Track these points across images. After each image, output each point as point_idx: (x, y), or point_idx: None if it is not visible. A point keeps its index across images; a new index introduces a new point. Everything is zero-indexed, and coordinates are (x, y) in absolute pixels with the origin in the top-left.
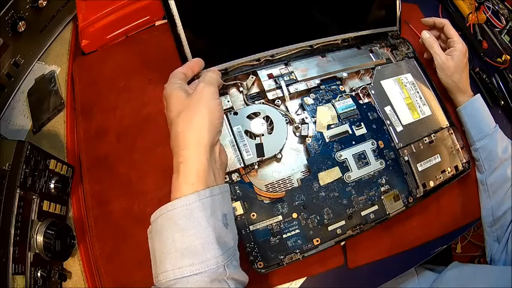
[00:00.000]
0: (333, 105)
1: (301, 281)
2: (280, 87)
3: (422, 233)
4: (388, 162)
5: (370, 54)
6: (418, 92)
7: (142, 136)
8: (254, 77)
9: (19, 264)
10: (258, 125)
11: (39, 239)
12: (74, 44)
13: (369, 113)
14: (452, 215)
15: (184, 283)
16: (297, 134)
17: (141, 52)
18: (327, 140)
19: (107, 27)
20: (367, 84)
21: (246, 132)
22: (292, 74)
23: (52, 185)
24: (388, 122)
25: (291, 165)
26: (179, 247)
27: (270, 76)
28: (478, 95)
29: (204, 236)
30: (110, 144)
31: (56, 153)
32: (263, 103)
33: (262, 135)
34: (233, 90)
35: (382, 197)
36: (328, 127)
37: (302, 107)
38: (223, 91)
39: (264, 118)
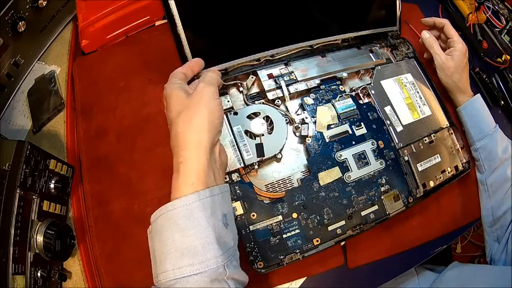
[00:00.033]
0: (333, 105)
1: (301, 281)
2: (280, 87)
3: (422, 233)
4: (388, 162)
5: (370, 54)
6: (418, 92)
7: (142, 136)
8: (254, 77)
9: (19, 264)
10: (258, 125)
11: (39, 239)
12: (74, 44)
13: (369, 113)
14: (452, 215)
15: (184, 283)
16: (297, 134)
17: (141, 52)
18: (327, 140)
19: (107, 27)
20: (367, 84)
21: (246, 132)
22: (292, 74)
23: (52, 185)
24: (388, 122)
25: (291, 165)
26: (179, 247)
27: (270, 76)
28: (478, 95)
29: (204, 236)
30: (110, 144)
31: (56, 153)
32: (263, 103)
33: (262, 135)
34: (233, 90)
35: (382, 197)
36: (328, 127)
37: (302, 107)
38: (223, 91)
39: (264, 118)
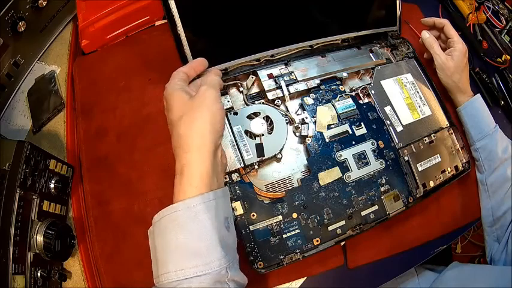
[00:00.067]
0: (333, 105)
1: (301, 281)
2: (280, 87)
3: (422, 233)
4: (388, 162)
5: (370, 54)
6: (418, 92)
7: (142, 136)
8: (254, 77)
9: (19, 264)
10: (258, 125)
11: (39, 239)
12: (74, 44)
13: (369, 113)
14: (452, 215)
15: (186, 284)
16: (297, 134)
17: (141, 52)
18: (327, 140)
19: (107, 27)
20: (367, 84)
21: (246, 132)
22: (292, 74)
23: (52, 185)
24: (388, 122)
25: (291, 165)
26: (182, 248)
27: (270, 76)
28: (478, 95)
29: (208, 238)
30: (110, 144)
31: (56, 153)
32: (263, 103)
33: (262, 135)
34: (233, 90)
35: (382, 197)
36: (328, 127)
37: (302, 107)
38: (223, 91)
39: (264, 118)
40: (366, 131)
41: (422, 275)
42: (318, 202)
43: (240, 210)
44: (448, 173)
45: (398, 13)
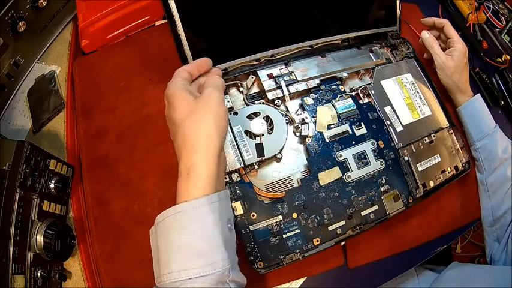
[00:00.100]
0: (333, 105)
1: (301, 281)
2: (280, 87)
3: (422, 233)
4: (388, 162)
5: (370, 54)
6: (418, 92)
7: (142, 136)
8: (254, 77)
9: (19, 264)
10: (258, 125)
11: (39, 239)
12: (74, 44)
13: (369, 113)
14: (452, 215)
15: (190, 285)
16: (297, 134)
17: (141, 52)
18: (327, 140)
19: (107, 27)
20: (367, 84)
21: (246, 132)
22: (292, 74)
23: (52, 185)
24: (388, 122)
25: (291, 165)
26: (186, 249)
27: (270, 76)
28: (478, 95)
29: (212, 239)
30: (110, 144)
31: (56, 153)
32: (263, 103)
33: (262, 135)
34: (233, 90)
35: (382, 197)
36: (328, 127)
37: (302, 107)
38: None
39: (264, 118)
40: (366, 131)
41: (422, 275)
42: (318, 202)
43: (240, 210)
44: (448, 173)
45: (398, 13)
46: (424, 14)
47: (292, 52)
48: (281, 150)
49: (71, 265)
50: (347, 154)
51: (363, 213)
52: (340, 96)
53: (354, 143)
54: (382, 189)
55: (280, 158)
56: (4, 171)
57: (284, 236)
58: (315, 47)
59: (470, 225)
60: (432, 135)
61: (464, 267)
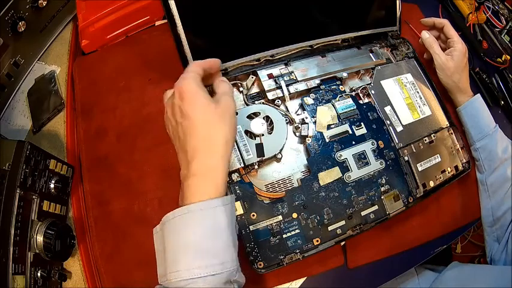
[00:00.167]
0: (333, 105)
1: (301, 281)
2: (280, 87)
3: (422, 233)
4: (388, 162)
5: (370, 54)
6: (418, 92)
7: (142, 136)
8: (254, 77)
9: (19, 264)
10: (258, 125)
11: (39, 239)
12: (74, 44)
13: (369, 113)
14: (452, 215)
15: (198, 283)
16: (297, 134)
17: (141, 52)
18: (327, 140)
19: (107, 27)
20: (367, 84)
21: (246, 132)
22: (292, 74)
23: (52, 185)
24: (388, 122)
25: (291, 165)
26: (198, 247)
27: (270, 76)
28: (478, 95)
29: (225, 239)
30: (110, 144)
31: (56, 153)
32: (263, 103)
33: (262, 135)
34: (233, 90)
35: (382, 197)
36: (328, 127)
37: (302, 107)
38: None
39: (264, 118)
40: (366, 131)
41: (422, 275)
42: (318, 202)
43: (240, 210)
44: (448, 173)
45: (398, 13)
46: (424, 14)
47: (292, 52)
48: (281, 150)
49: (71, 265)
50: (347, 154)
51: (363, 213)
52: (340, 96)
53: (354, 143)
54: (382, 189)
55: (280, 158)
56: (4, 171)
57: (284, 236)
58: (315, 47)
59: (470, 225)
60: (432, 135)
61: (464, 267)
